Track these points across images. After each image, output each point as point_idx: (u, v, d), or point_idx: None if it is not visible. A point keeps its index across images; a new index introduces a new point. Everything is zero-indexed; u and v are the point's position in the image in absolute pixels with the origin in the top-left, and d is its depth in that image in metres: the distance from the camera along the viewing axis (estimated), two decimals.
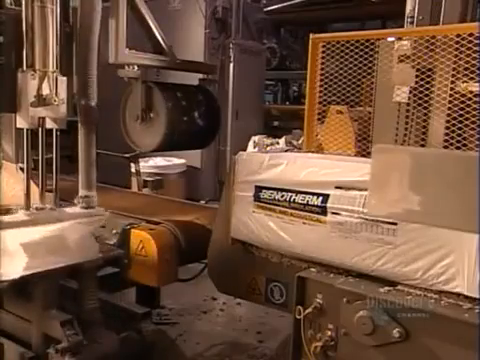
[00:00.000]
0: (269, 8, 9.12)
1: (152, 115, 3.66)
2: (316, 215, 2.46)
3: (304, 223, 2.51)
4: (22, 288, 2.71)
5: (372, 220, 2.28)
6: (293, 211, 2.55)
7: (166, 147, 3.90)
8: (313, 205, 2.47)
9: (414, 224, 2.15)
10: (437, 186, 2.06)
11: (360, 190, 2.32)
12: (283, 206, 2.58)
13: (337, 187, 2.40)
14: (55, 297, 2.81)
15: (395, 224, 2.22)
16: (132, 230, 3.09)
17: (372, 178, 2.21)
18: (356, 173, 2.37)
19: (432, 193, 2.07)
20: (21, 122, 2.77)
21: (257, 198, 2.69)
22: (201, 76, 4.19)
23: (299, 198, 2.52)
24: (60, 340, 2.62)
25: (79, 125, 2.96)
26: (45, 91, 2.76)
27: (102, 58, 3.21)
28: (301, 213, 2.51)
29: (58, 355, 2.58)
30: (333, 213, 2.40)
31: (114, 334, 2.90)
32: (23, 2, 2.73)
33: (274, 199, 2.62)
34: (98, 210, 2.95)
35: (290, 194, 2.56)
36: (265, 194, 2.66)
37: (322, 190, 2.45)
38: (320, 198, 2.44)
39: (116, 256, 2.99)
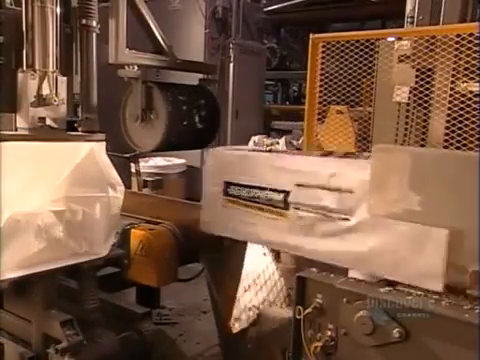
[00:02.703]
0: (269, 8, 9.08)
1: (152, 115, 3.66)
2: (279, 209, 2.63)
3: (269, 217, 2.67)
4: (22, 288, 2.71)
5: (329, 215, 2.42)
6: (258, 205, 2.71)
7: (166, 147, 3.90)
8: (276, 200, 2.63)
9: (365, 220, 2.26)
10: (437, 186, 2.06)
11: (317, 187, 2.44)
12: (250, 201, 2.75)
13: (297, 184, 2.53)
14: (55, 297, 2.81)
15: (348, 220, 2.34)
16: (132, 230, 3.08)
17: (372, 178, 2.21)
18: (315, 170, 2.48)
19: (432, 193, 2.07)
20: (21, 122, 2.77)
21: (226, 193, 2.86)
22: (201, 76, 4.19)
23: (263, 194, 2.69)
24: (60, 340, 2.62)
25: None
26: (45, 91, 2.76)
27: (102, 58, 3.21)
28: (265, 207, 2.68)
29: (58, 355, 2.58)
30: (294, 208, 2.56)
31: (114, 334, 2.90)
32: (23, 2, 2.74)
33: (241, 194, 2.79)
34: None
35: (255, 190, 2.73)
36: (233, 190, 2.83)
37: (283, 187, 2.59)
38: (281, 195, 2.62)
39: (116, 256, 2.98)
